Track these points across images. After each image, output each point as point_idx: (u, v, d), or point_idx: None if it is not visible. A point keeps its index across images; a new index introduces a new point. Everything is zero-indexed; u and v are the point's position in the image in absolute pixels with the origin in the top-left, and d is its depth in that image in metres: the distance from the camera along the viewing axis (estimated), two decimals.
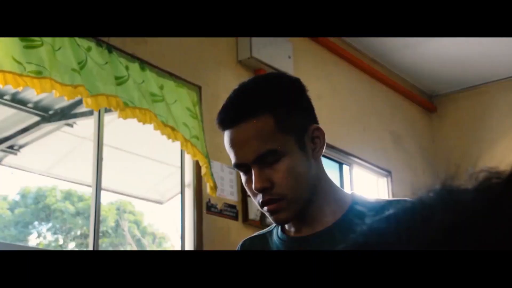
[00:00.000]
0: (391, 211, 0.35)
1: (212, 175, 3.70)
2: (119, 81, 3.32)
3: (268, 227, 1.36)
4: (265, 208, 1.20)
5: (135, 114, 3.31)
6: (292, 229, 1.26)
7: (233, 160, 1.21)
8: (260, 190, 1.18)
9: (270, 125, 1.17)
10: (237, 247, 1.35)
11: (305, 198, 1.20)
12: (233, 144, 1.19)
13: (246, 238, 1.36)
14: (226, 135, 1.20)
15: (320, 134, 1.23)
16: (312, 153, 1.22)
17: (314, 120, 1.25)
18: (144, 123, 3.36)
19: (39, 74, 2.85)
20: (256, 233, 1.37)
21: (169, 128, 3.50)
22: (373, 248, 0.34)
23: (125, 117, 3.28)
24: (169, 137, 3.50)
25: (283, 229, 1.29)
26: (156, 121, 3.41)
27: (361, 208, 1.21)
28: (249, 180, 1.20)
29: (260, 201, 1.19)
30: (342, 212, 1.23)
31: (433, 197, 0.34)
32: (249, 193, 1.23)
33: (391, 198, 1.27)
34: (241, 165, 1.20)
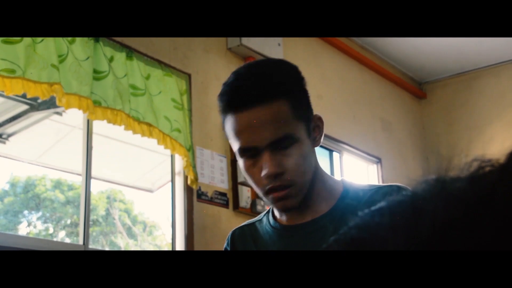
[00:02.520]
0: (384, 203, 0.35)
1: (194, 167, 3.70)
2: (99, 75, 3.29)
3: (257, 216, 1.35)
4: (272, 195, 1.17)
5: (105, 116, 3.28)
6: (284, 217, 1.26)
7: (240, 144, 1.15)
8: (274, 175, 1.14)
9: (286, 110, 1.14)
10: (226, 238, 1.34)
11: (309, 184, 1.20)
12: (244, 127, 1.13)
13: (235, 228, 1.35)
14: (234, 118, 1.14)
15: (321, 123, 1.24)
16: (314, 141, 1.22)
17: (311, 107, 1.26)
18: (114, 124, 3.33)
19: (11, 73, 2.80)
20: (245, 223, 1.35)
21: (144, 125, 3.48)
22: (367, 242, 0.33)
23: (94, 119, 3.26)
24: (143, 135, 3.48)
25: (274, 217, 1.28)
26: (127, 121, 3.38)
27: (352, 196, 1.22)
28: (254, 165, 1.16)
29: (268, 187, 1.16)
30: (334, 201, 1.23)
31: (427, 189, 0.34)
32: (250, 179, 1.19)
33: (380, 184, 1.27)
34: (249, 149, 1.15)
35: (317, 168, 1.24)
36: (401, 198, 0.34)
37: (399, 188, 1.19)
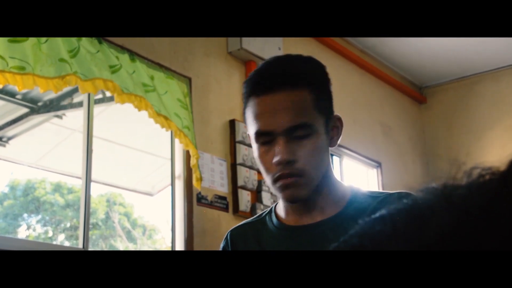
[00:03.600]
0: (385, 211, 0.35)
1: (198, 167, 3.71)
2: (113, 69, 3.32)
3: (257, 215, 1.33)
4: (280, 182, 1.15)
5: (131, 100, 3.32)
6: (291, 218, 1.24)
7: (257, 127, 1.15)
8: (285, 162, 1.14)
9: (308, 100, 1.15)
10: (225, 236, 1.31)
11: (318, 180, 1.19)
12: (265, 110, 1.15)
13: (234, 227, 1.32)
14: (256, 102, 1.16)
15: (341, 124, 1.25)
16: (330, 141, 1.22)
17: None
18: (139, 110, 3.36)
19: (21, 69, 2.82)
20: (245, 221, 1.33)
21: (162, 118, 3.50)
22: (367, 250, 0.33)
23: (122, 102, 3.28)
24: (162, 126, 3.50)
25: (278, 218, 1.26)
26: (151, 108, 3.42)
27: (360, 202, 1.22)
28: (267, 152, 1.16)
29: (278, 174, 1.15)
30: (342, 205, 1.22)
31: (429, 198, 0.34)
32: (262, 166, 1.18)
33: (388, 191, 1.26)
34: (266, 133, 1.15)
35: (328, 170, 1.23)
36: (403, 206, 0.34)
37: (408, 196, 1.19)
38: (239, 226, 1.32)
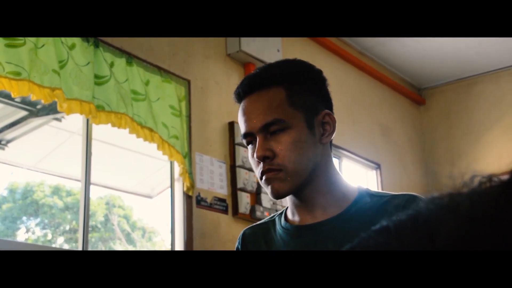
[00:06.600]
0: (389, 223, 0.34)
1: (190, 174, 3.70)
2: (100, 80, 3.30)
3: (270, 216, 1.36)
4: (263, 178, 1.20)
5: (109, 119, 3.29)
6: (296, 218, 1.26)
7: (242, 130, 1.23)
8: (261, 158, 1.18)
9: (281, 97, 1.20)
10: (238, 237, 1.35)
11: (305, 175, 1.20)
12: (244, 113, 1.21)
13: (248, 227, 1.36)
14: (240, 107, 1.23)
15: (331, 120, 1.25)
16: (321, 137, 1.23)
17: (330, 108, 1.27)
18: (118, 128, 3.34)
19: (17, 75, 2.82)
20: (258, 223, 1.36)
21: (146, 130, 3.49)
22: None
23: (98, 123, 3.26)
24: (145, 139, 3.50)
25: (286, 218, 1.29)
26: (131, 125, 3.39)
27: (365, 202, 1.23)
28: (253, 152, 1.21)
29: (261, 171, 1.20)
30: (346, 205, 1.23)
31: (433, 209, 0.33)
32: (252, 165, 1.23)
33: (395, 193, 1.27)
34: (248, 135, 1.21)
35: (328, 167, 1.25)
36: (407, 217, 0.34)
37: (414, 198, 1.20)
38: (251, 227, 1.36)
